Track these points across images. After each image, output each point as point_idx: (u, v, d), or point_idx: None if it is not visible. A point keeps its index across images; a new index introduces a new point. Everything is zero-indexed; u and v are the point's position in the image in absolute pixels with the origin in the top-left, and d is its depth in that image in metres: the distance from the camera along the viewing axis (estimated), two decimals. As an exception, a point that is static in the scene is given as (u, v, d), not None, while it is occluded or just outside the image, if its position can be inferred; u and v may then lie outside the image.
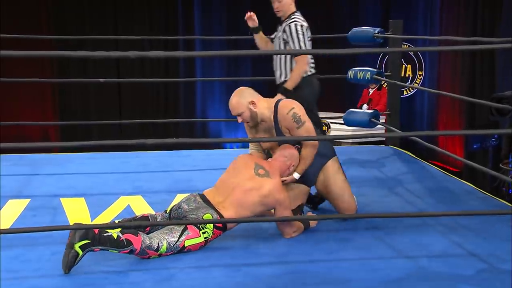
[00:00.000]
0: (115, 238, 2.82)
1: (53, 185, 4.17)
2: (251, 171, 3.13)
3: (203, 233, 3.00)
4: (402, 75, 7.80)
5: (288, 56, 3.81)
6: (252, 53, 6.37)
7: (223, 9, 8.63)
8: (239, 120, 3.30)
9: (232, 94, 3.30)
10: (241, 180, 3.11)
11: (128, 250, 2.84)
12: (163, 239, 2.92)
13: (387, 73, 5.37)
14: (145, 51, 2.67)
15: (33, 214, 3.59)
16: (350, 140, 6.98)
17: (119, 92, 8.56)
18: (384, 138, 6.17)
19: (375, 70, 5.20)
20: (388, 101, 5.56)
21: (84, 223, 2.90)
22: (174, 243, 2.94)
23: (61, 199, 3.87)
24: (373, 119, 5.01)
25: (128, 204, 3.78)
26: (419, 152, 5.54)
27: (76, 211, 3.67)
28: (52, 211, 3.65)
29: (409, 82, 8.27)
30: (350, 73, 5.28)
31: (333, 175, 3.48)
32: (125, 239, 2.82)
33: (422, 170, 4.74)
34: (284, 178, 3.24)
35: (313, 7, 8.69)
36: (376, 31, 4.97)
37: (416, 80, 8.35)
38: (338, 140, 7.04)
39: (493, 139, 6.29)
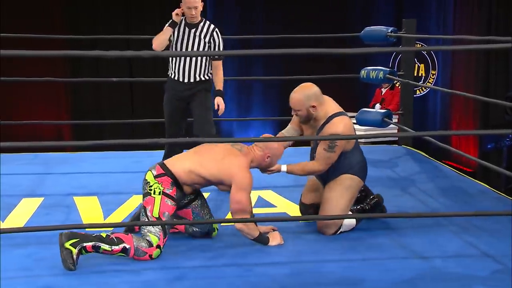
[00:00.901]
0: (104, 236, 2.89)
1: (67, 183, 4.20)
2: (228, 145, 3.16)
3: (153, 191, 3.01)
4: (415, 74, 7.75)
5: (205, 59, 4.07)
6: (263, 53, 6.38)
7: (235, 8, 8.64)
8: (293, 112, 3.31)
9: (299, 88, 3.28)
10: (214, 146, 3.16)
11: (121, 248, 2.87)
12: (145, 230, 2.95)
13: (400, 73, 5.35)
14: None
15: (46, 213, 3.62)
16: (362, 140, 6.96)
17: (131, 92, 8.59)
18: (396, 138, 6.14)
19: (388, 69, 5.18)
20: (401, 101, 5.53)
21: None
22: (149, 221, 2.95)
23: (74, 197, 3.90)
24: (386, 119, 4.99)
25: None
26: (432, 152, 5.52)
27: (89, 209, 3.69)
28: (65, 210, 3.68)
29: (422, 82, 8.22)
30: (363, 72, 5.26)
31: (344, 187, 3.30)
32: (115, 237, 2.88)
33: (435, 170, 4.71)
34: (271, 168, 3.19)
35: (326, 6, 8.70)
36: (389, 30, 4.95)
37: (429, 79, 8.30)
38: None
39: (507, 139, 6.23)
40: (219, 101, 4.13)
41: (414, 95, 6.03)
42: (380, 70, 5.11)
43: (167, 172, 3.03)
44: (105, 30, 7.99)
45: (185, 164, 3.05)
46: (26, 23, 7.79)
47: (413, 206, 3.79)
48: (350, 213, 3.33)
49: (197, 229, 3.19)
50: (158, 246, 2.92)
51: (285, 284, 2.66)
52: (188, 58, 4.06)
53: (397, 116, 5.61)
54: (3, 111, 8.12)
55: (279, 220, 3.34)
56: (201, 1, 4.02)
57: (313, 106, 3.23)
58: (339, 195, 3.26)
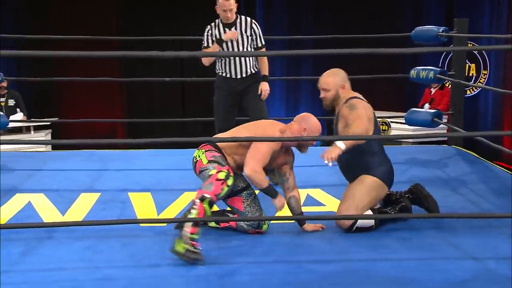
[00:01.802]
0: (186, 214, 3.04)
1: (121, 180, 4.32)
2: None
3: (197, 157, 3.23)
4: (466, 74, 7.63)
5: (248, 50, 4.27)
6: (311, 53, 6.41)
7: (284, 9, 8.68)
8: (321, 94, 3.42)
9: (329, 71, 3.45)
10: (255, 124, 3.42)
11: (200, 201, 2.99)
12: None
13: (451, 72, 5.28)
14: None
15: (103, 208, 3.74)
16: (411, 140, 6.90)
17: (182, 91, 8.76)
18: (446, 138, 6.07)
19: (438, 69, 5.13)
20: (451, 101, 5.46)
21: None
22: (204, 217, 3.02)
23: (129, 193, 4.01)
24: (435, 119, 4.94)
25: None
26: (482, 152, 5.42)
27: (143, 205, 3.80)
28: (120, 205, 3.79)
29: (472, 82, 8.08)
30: (413, 72, 5.23)
31: (365, 187, 3.31)
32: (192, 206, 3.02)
33: (487, 170, 4.63)
34: (331, 153, 3.07)
35: (376, 7, 8.65)
36: (441, 30, 4.90)
37: (480, 79, 8.15)
38: (399, 140, 6.97)
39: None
40: (263, 86, 4.33)
41: (465, 95, 5.95)
42: (430, 70, 5.07)
43: (209, 143, 3.25)
44: (156, 31, 8.19)
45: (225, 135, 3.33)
46: (84, 25, 8.06)
47: (464, 206, 3.74)
48: (370, 212, 3.32)
49: (248, 223, 3.26)
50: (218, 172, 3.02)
51: (335, 281, 2.69)
52: (236, 48, 4.20)
53: (446, 116, 5.54)
54: (63, 110, 8.44)
55: (298, 219, 3.34)
56: (235, 2, 4.17)
57: (342, 87, 3.38)
58: (359, 194, 3.29)
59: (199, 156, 3.21)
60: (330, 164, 3.04)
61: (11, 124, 6.49)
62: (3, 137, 6.85)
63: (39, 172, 4.56)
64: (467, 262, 2.89)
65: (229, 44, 4.22)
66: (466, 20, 5.19)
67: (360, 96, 3.42)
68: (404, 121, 5.37)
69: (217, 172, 3.03)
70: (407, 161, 4.88)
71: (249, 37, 4.22)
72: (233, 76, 4.33)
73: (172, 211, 3.69)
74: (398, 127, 7.22)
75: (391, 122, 7.31)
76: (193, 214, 2.95)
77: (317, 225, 3.33)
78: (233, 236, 3.25)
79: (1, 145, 5.48)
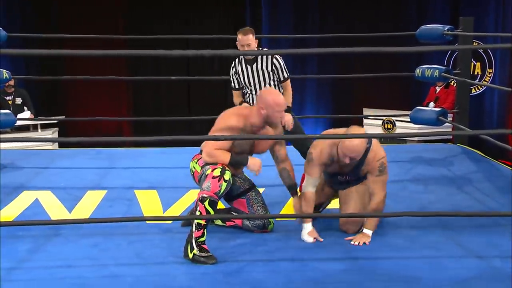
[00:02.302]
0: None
1: (128, 178, 4.35)
2: None
3: (192, 169, 3.27)
4: (471, 73, 7.62)
5: (273, 84, 4.11)
6: (317, 52, 6.42)
7: (289, 9, 8.69)
8: (348, 161, 3.17)
9: (354, 142, 3.12)
10: None
11: (200, 201, 2.99)
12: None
13: (456, 71, 5.28)
14: (214, 50, 2.78)
15: (109, 205, 3.77)
16: (416, 138, 6.90)
17: (188, 90, 8.79)
18: (451, 137, 6.06)
19: (443, 68, 5.13)
20: (457, 99, 5.46)
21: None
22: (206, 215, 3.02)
23: (135, 191, 4.04)
24: (440, 117, 4.95)
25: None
26: (488, 151, 5.42)
27: (149, 203, 3.82)
28: (127, 202, 3.82)
29: (478, 80, 8.06)
30: (418, 71, 5.23)
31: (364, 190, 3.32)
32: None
33: (492, 169, 4.63)
34: (364, 240, 3.12)
35: (381, 5, 8.64)
36: (446, 29, 4.90)
37: (485, 78, 8.14)
38: (403, 138, 6.97)
39: None
40: (288, 118, 4.02)
41: (470, 94, 5.94)
42: (435, 69, 5.07)
43: (200, 152, 3.25)
44: (163, 30, 8.23)
45: None
46: (91, 24, 8.10)
47: (470, 205, 3.75)
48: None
49: (254, 223, 3.28)
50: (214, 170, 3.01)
51: (340, 279, 2.70)
52: (258, 89, 4.09)
53: (451, 115, 5.55)
54: (70, 108, 8.48)
55: (300, 217, 3.34)
56: (255, 39, 4.08)
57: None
58: (362, 195, 3.30)
59: (194, 168, 3.25)
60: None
61: (19, 122, 6.51)
62: (11, 135, 6.89)
63: (46, 170, 4.59)
64: (472, 260, 2.90)
65: (251, 80, 4.14)
66: (472, 19, 5.19)
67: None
68: (409, 120, 5.37)
69: (212, 170, 3.04)
70: (412, 159, 4.89)
71: (270, 73, 4.12)
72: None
73: (178, 209, 3.71)
74: (403, 126, 7.21)
75: (396, 120, 7.30)
76: (196, 229, 2.95)
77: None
78: (239, 234, 3.27)
79: (9, 143, 5.52)
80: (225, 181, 3.01)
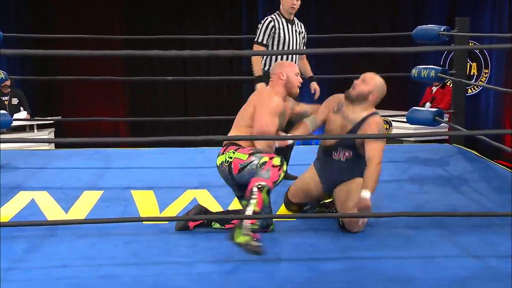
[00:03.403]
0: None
1: (124, 178, 4.34)
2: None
3: (228, 158, 3.15)
4: (467, 73, 7.65)
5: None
6: (315, 52, 6.42)
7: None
8: (358, 83, 3.37)
9: (372, 75, 3.41)
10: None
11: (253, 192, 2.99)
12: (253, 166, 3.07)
13: (452, 71, 5.30)
14: (210, 50, 2.78)
15: (106, 205, 3.76)
16: (412, 138, 6.92)
17: (185, 90, 8.79)
18: (447, 137, 6.08)
19: (440, 68, 5.14)
20: (453, 99, 5.48)
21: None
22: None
23: (131, 191, 4.03)
24: (437, 118, 4.96)
25: (194, 197, 3.90)
26: (483, 151, 5.44)
27: (146, 203, 3.81)
28: (123, 203, 3.81)
29: (474, 81, 8.09)
30: (414, 71, 5.24)
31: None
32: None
33: (488, 169, 4.65)
34: (365, 204, 3.07)
35: (377, 6, 8.66)
36: (442, 29, 4.91)
37: (481, 78, 8.16)
38: (400, 138, 6.99)
39: None
40: (315, 86, 4.36)
41: (466, 94, 5.96)
42: (431, 69, 5.09)
43: (228, 144, 3.19)
44: (160, 31, 8.23)
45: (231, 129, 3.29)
46: (86, 25, 8.10)
47: (465, 205, 3.76)
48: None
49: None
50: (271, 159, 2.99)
51: (337, 279, 2.70)
52: (296, 56, 4.15)
53: (447, 115, 5.56)
54: (66, 109, 8.48)
55: (294, 218, 3.36)
56: None
57: (374, 95, 3.37)
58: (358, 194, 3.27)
59: (230, 158, 3.13)
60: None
61: (15, 123, 6.52)
62: (7, 136, 6.88)
63: (43, 170, 4.59)
64: (469, 260, 2.90)
65: (292, 42, 4.14)
66: (467, 19, 5.21)
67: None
68: (405, 120, 5.39)
69: (271, 159, 2.98)
70: (409, 159, 4.90)
71: (303, 39, 4.20)
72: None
73: (175, 209, 3.70)
74: (400, 126, 7.24)
75: (393, 120, 7.32)
76: (253, 204, 2.91)
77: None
78: (236, 234, 3.26)
79: (5, 144, 5.51)
80: (283, 172, 3.00)
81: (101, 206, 3.76)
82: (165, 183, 4.22)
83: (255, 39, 4.21)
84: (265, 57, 4.17)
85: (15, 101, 7.45)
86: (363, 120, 3.33)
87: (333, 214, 3.50)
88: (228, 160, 3.14)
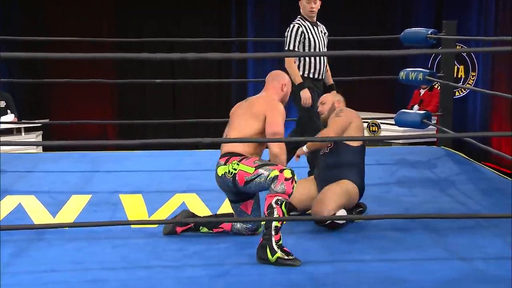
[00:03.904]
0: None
1: (113, 181, 4.33)
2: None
3: (232, 169, 3.10)
4: (455, 76, 7.70)
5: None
6: (303, 54, 6.43)
7: (275, 10, 8.71)
8: (319, 108, 3.69)
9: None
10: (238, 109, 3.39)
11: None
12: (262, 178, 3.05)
13: (440, 74, 5.33)
14: (199, 52, 2.77)
15: (94, 209, 3.75)
16: (400, 141, 6.95)
17: (173, 93, 8.78)
18: (435, 139, 6.12)
19: (427, 71, 5.18)
20: (440, 102, 5.51)
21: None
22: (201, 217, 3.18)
23: (120, 195, 4.02)
24: (425, 120, 4.99)
25: (183, 201, 3.89)
26: (471, 153, 5.48)
27: (134, 207, 3.81)
28: (112, 207, 3.80)
29: (461, 83, 8.15)
30: (402, 74, 5.27)
31: (344, 189, 3.41)
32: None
33: (475, 171, 4.68)
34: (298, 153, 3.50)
35: (366, 8, 8.69)
36: (429, 32, 4.95)
37: (469, 81, 8.22)
38: (388, 141, 7.02)
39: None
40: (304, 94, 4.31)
41: (454, 97, 6.00)
42: (419, 72, 5.12)
43: (231, 154, 3.14)
44: (149, 34, 8.22)
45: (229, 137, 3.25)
46: (76, 27, 8.06)
47: (453, 207, 3.78)
48: (343, 211, 3.35)
49: (247, 227, 3.26)
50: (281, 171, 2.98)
51: (326, 282, 2.71)
52: (324, 57, 4.22)
53: (435, 118, 5.59)
54: (54, 111, 8.43)
55: (276, 220, 3.35)
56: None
57: (338, 101, 3.63)
58: (339, 192, 3.37)
59: (235, 169, 3.08)
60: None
61: (2, 126, 6.47)
62: (-7, 139, 6.83)
63: (30, 173, 4.56)
64: (456, 262, 2.92)
65: (318, 44, 4.17)
66: (455, 23, 5.25)
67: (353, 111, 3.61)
68: (394, 122, 5.41)
69: (281, 171, 2.97)
70: (397, 162, 4.93)
71: (326, 40, 4.27)
72: (319, 77, 4.23)
73: (164, 213, 3.69)
74: (388, 128, 7.26)
75: (381, 123, 7.35)
76: (276, 233, 2.89)
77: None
78: (224, 237, 3.26)
79: (-8, 147, 5.47)
80: (296, 183, 2.99)
81: (89, 210, 3.74)
82: (154, 187, 4.21)
83: (286, 47, 4.18)
84: (297, 62, 4.14)
85: (2, 104, 7.39)
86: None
87: (310, 217, 3.52)
88: (232, 172, 3.09)
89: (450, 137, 5.40)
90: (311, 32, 4.15)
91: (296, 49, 4.14)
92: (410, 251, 3.06)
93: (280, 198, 2.93)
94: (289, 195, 2.97)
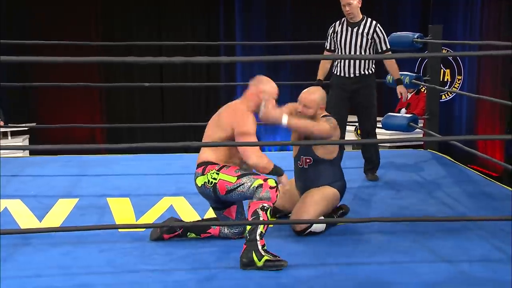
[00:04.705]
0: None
1: (100, 185, 4.31)
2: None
3: (212, 180, 3.06)
4: (441, 79, 7.75)
5: (367, 54, 4.38)
6: (292, 58, 6.47)
7: (263, 15, 8.73)
8: (299, 108, 3.44)
9: (313, 89, 3.51)
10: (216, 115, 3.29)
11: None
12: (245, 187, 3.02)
13: (426, 78, 5.37)
14: (187, 56, 2.78)
15: (81, 213, 3.73)
16: (388, 144, 6.99)
17: (162, 97, 8.76)
18: (422, 142, 6.15)
19: (414, 74, 5.22)
20: (427, 106, 5.55)
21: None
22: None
23: (107, 199, 4.01)
24: (411, 123, 5.03)
25: (171, 205, 3.89)
26: (457, 156, 5.52)
27: (122, 210, 3.79)
28: (99, 211, 3.78)
29: (447, 87, 8.21)
30: (389, 77, 5.30)
31: (324, 195, 3.41)
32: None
33: (461, 174, 4.72)
34: (271, 114, 3.18)
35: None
36: (416, 36, 4.99)
37: (455, 84, 8.28)
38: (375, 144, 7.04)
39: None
40: (401, 89, 4.57)
41: (440, 100, 6.05)
42: (406, 75, 5.16)
43: (206, 163, 3.11)
44: (138, 37, 8.19)
45: (204, 147, 3.19)
46: (64, 31, 8.03)
47: (439, 210, 3.81)
48: (322, 219, 3.37)
49: (235, 231, 3.27)
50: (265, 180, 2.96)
51: (313, 285, 2.72)
52: (353, 53, 4.34)
53: (422, 121, 5.63)
54: (41, 115, 8.37)
55: (263, 223, 3.35)
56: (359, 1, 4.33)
57: (322, 108, 3.49)
58: (317, 200, 3.37)
59: (215, 179, 3.06)
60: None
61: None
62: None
63: (16, 178, 4.53)
64: (442, 265, 2.94)
65: (348, 42, 4.34)
66: (440, 27, 5.29)
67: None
68: (380, 126, 5.44)
69: (265, 180, 2.98)
70: (384, 165, 4.95)
71: (369, 40, 4.33)
72: (346, 75, 4.41)
73: (151, 217, 3.69)
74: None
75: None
76: (261, 226, 2.91)
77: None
78: (212, 241, 3.26)
79: (-22, 151, 5.42)
80: (279, 192, 3.01)
81: (76, 214, 3.72)
82: (142, 190, 4.20)
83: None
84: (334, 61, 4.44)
85: (-12, 108, 7.34)
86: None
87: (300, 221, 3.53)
88: (211, 182, 3.08)
89: (436, 140, 5.48)
90: (341, 32, 4.38)
91: (328, 47, 4.49)
92: (396, 254, 3.07)
93: (265, 204, 2.94)
94: (274, 203, 2.99)
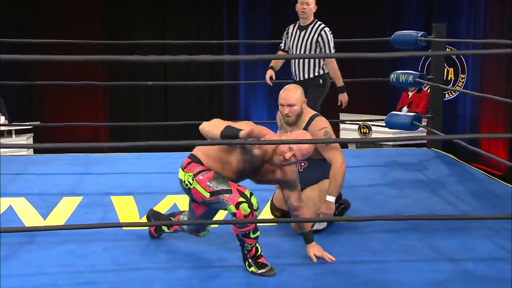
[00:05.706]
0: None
1: (104, 183, 4.32)
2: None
3: (189, 184, 2.89)
4: (444, 78, 7.75)
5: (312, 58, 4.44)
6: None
7: (267, 15, 8.74)
8: (286, 110, 3.31)
9: (291, 86, 3.37)
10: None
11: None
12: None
13: (430, 76, 5.37)
14: (191, 55, 2.77)
15: (85, 211, 3.74)
16: (391, 143, 6.99)
17: (165, 95, 8.77)
18: (425, 141, 6.15)
19: (418, 73, 5.21)
20: (430, 104, 5.55)
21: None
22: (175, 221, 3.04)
23: (111, 197, 4.01)
24: (415, 122, 5.02)
25: (175, 203, 3.89)
26: (461, 155, 5.51)
27: (126, 208, 3.80)
28: (103, 209, 3.79)
29: (451, 85, 8.20)
30: (392, 76, 5.31)
31: (325, 190, 3.33)
32: None
33: (465, 172, 4.72)
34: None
35: (356, 11, 8.73)
36: (419, 35, 4.98)
37: (458, 83, 8.27)
38: (379, 143, 7.05)
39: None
40: (342, 97, 4.62)
41: (444, 99, 6.04)
42: (409, 74, 5.15)
43: (193, 159, 2.96)
44: (141, 36, 8.21)
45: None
46: (68, 30, 8.04)
47: (443, 208, 3.80)
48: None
49: (189, 227, 3.15)
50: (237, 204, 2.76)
51: (316, 283, 2.72)
52: (298, 59, 4.43)
53: (426, 120, 5.63)
54: (45, 114, 8.39)
55: (266, 222, 3.36)
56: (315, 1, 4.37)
57: (304, 102, 3.35)
58: (314, 197, 3.35)
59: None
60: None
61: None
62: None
63: (21, 176, 4.54)
64: (446, 263, 2.94)
65: (295, 45, 4.42)
66: (444, 25, 5.28)
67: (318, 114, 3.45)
68: (384, 124, 5.44)
69: (237, 207, 2.75)
70: (388, 163, 4.96)
71: (315, 44, 4.38)
72: (296, 79, 4.52)
73: (155, 215, 3.69)
74: (379, 130, 7.30)
75: (372, 125, 7.39)
76: (249, 251, 2.85)
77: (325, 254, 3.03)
78: (215, 240, 3.26)
79: (-18, 150, 5.44)
80: (257, 211, 2.82)
81: (80, 212, 3.73)
82: (145, 189, 4.21)
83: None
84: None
85: (-8, 106, 7.36)
86: (308, 123, 3.35)
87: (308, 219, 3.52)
88: (187, 184, 2.90)
89: (440, 139, 5.47)
90: (292, 35, 4.45)
91: (283, 47, 4.58)
92: (400, 252, 3.07)
93: (246, 231, 2.80)
94: (255, 225, 2.82)
